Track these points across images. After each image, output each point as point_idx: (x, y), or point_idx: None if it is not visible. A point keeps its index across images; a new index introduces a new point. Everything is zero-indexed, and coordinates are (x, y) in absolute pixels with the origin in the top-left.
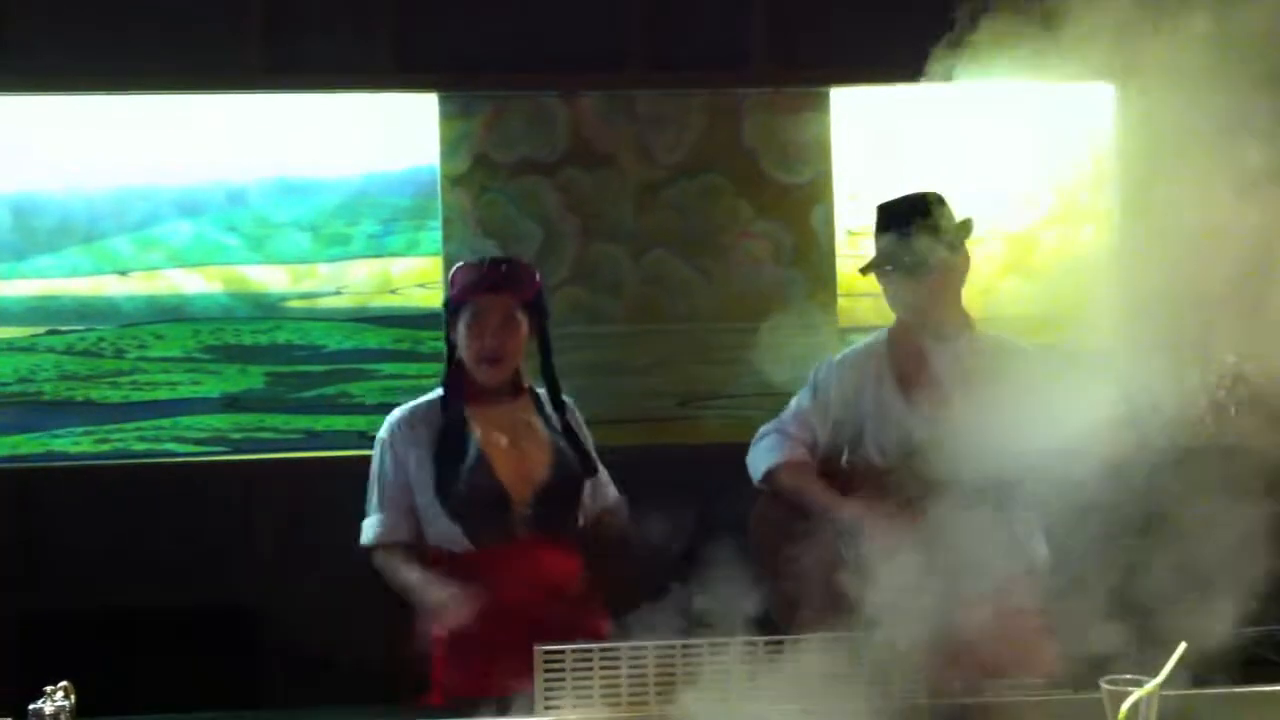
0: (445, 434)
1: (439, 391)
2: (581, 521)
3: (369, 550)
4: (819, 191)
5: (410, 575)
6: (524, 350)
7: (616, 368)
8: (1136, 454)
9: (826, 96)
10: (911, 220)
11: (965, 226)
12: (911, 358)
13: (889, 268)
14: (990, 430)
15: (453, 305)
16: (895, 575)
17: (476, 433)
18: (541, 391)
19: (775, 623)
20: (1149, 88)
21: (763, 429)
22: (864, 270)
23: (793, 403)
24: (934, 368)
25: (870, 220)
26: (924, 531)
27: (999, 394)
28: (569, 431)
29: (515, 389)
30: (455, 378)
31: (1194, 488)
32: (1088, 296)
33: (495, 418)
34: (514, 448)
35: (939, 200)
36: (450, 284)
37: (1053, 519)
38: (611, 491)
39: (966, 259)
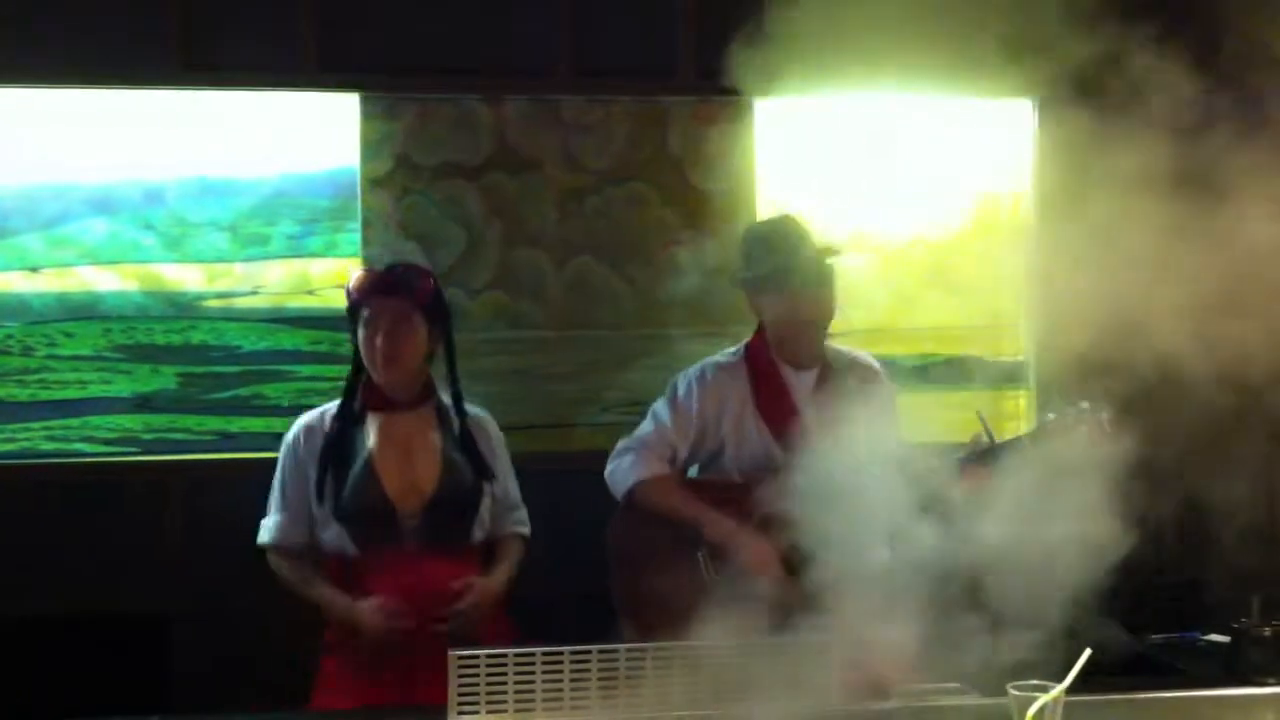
0: (338, 439)
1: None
2: (480, 535)
3: (264, 550)
4: (742, 201)
5: (320, 590)
6: (423, 355)
7: (539, 374)
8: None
9: (750, 106)
10: (798, 239)
11: (832, 248)
12: (771, 378)
13: (792, 284)
14: (843, 448)
15: (350, 309)
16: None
17: (369, 440)
18: (447, 399)
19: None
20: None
21: (621, 444)
22: (744, 283)
23: (651, 418)
24: (794, 390)
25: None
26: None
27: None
28: (466, 440)
29: (419, 398)
30: (356, 384)
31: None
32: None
33: (391, 426)
34: (405, 458)
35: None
36: (347, 290)
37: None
38: (519, 519)
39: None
